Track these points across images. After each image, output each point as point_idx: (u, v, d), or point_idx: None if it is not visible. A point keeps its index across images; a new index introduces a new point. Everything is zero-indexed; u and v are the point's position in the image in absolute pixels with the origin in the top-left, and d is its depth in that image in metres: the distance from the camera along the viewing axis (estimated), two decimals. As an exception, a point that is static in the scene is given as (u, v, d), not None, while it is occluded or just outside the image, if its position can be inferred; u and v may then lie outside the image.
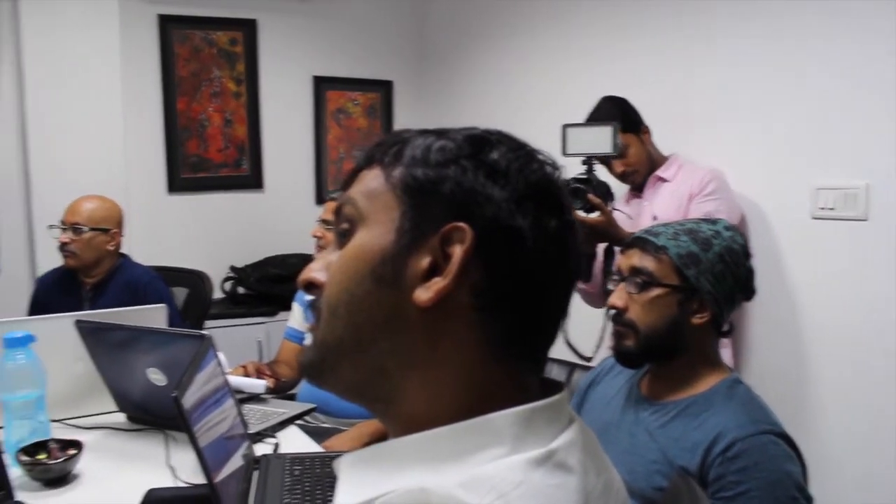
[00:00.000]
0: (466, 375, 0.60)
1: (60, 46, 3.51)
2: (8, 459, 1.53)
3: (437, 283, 0.58)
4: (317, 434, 2.00)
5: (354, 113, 4.48)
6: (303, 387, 2.43)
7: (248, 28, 4.17)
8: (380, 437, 2.08)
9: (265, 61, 4.23)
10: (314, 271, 0.66)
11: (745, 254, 1.46)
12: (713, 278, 1.41)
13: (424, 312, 0.59)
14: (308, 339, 0.67)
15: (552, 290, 0.63)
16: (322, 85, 4.37)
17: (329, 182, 4.40)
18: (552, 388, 0.64)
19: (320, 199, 4.35)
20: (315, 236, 2.36)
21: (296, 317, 2.55)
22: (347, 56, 4.43)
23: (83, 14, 3.55)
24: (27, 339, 1.69)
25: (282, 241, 4.14)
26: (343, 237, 0.64)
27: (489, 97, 3.99)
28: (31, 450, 1.62)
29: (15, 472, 1.55)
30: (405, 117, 4.56)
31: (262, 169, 4.25)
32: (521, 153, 0.63)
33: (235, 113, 4.15)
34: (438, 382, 0.60)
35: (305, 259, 3.95)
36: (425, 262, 0.59)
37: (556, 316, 0.64)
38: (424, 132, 0.65)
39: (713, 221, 1.51)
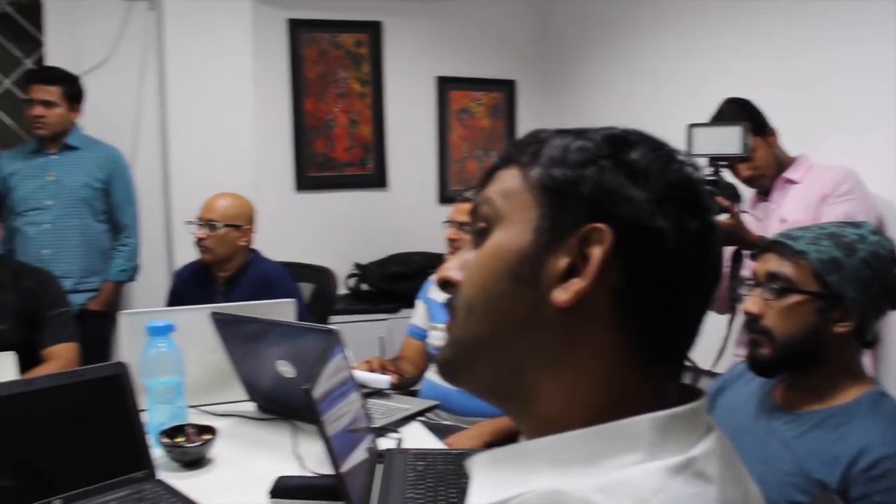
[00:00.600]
0: (602, 378, 0.60)
1: (199, 52, 3.70)
2: (151, 440, 1.63)
3: (576, 284, 0.58)
4: (438, 431, 2.02)
5: (478, 113, 4.50)
6: (425, 384, 2.46)
7: (373, 30, 4.26)
8: (501, 437, 2.09)
9: (390, 62, 4.31)
10: (450, 270, 0.66)
11: (892, 260, 1.38)
12: (857, 285, 1.33)
13: (562, 313, 0.59)
14: (443, 337, 0.68)
15: (692, 293, 0.61)
16: (446, 85, 4.42)
17: (452, 181, 4.44)
18: (690, 394, 0.62)
19: (443, 198, 4.40)
20: (450, 238, 2.38)
21: (419, 314, 2.58)
22: (471, 56, 4.46)
23: (219, 21, 3.73)
24: (168, 329, 1.79)
25: (405, 239, 4.21)
26: (480, 236, 0.65)
27: (613, 97, 3.94)
28: (171, 433, 1.72)
29: (156, 453, 1.64)
30: (528, 117, 4.55)
31: (386, 168, 4.34)
32: (662, 153, 0.61)
33: (361, 113, 4.26)
34: (574, 384, 0.60)
35: (428, 257, 4.01)
36: (563, 262, 0.59)
37: (695, 320, 0.62)
38: (562, 132, 0.64)
39: (857, 225, 1.43)
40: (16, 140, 3.67)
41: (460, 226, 2.36)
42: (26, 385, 1.53)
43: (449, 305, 0.67)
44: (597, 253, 0.57)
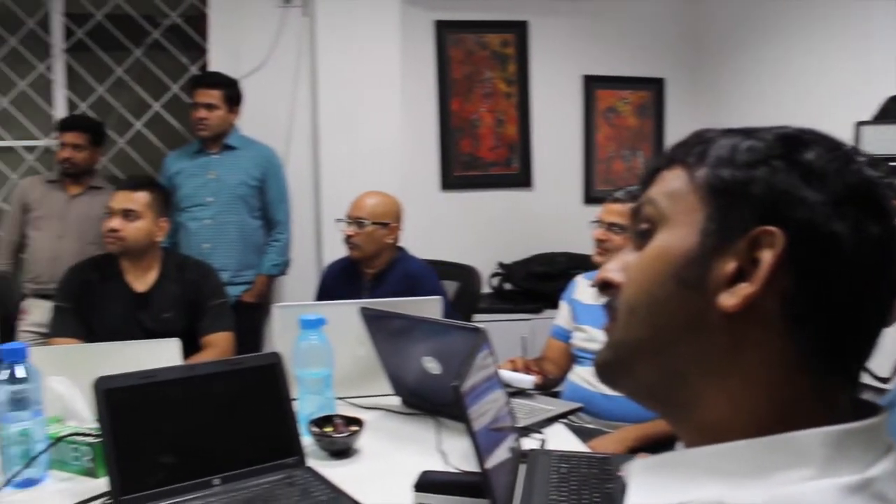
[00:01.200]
0: (770, 387, 0.56)
1: (349, 55, 3.82)
2: (301, 429, 1.68)
3: (744, 289, 0.55)
4: (580, 434, 1.98)
5: (624, 112, 4.41)
6: (567, 385, 2.43)
7: (519, 30, 4.25)
8: (645, 442, 2.04)
9: (536, 62, 4.29)
10: (610, 272, 0.65)
11: None
12: None
13: (729, 318, 0.56)
14: (601, 340, 0.66)
15: (870, 300, 0.57)
16: (592, 84, 4.35)
17: (597, 181, 4.37)
18: (866, 409, 0.58)
19: (589, 198, 4.34)
20: (598, 239, 2.34)
21: (563, 315, 2.55)
22: (618, 54, 4.37)
23: (369, 25, 3.83)
24: (319, 322, 1.85)
25: (549, 239, 4.17)
26: (642, 238, 0.63)
27: (768, 95, 3.76)
28: (320, 422, 1.77)
29: (306, 441, 1.69)
30: (677, 116, 4.41)
31: (531, 167, 4.32)
32: (839, 153, 0.58)
33: (506, 113, 4.26)
34: (739, 392, 0.57)
35: (572, 258, 3.96)
36: (731, 266, 0.56)
37: (873, 329, 0.58)
38: (729, 131, 0.62)
39: None
40: (181, 141, 3.90)
41: (610, 226, 2.31)
42: (190, 370, 1.61)
43: (608, 307, 0.65)
44: (767, 257, 0.55)
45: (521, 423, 1.88)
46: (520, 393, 2.15)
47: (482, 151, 4.25)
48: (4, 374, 1.56)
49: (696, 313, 0.58)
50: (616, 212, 2.31)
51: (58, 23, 3.93)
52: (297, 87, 3.91)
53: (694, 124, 0.65)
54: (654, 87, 4.44)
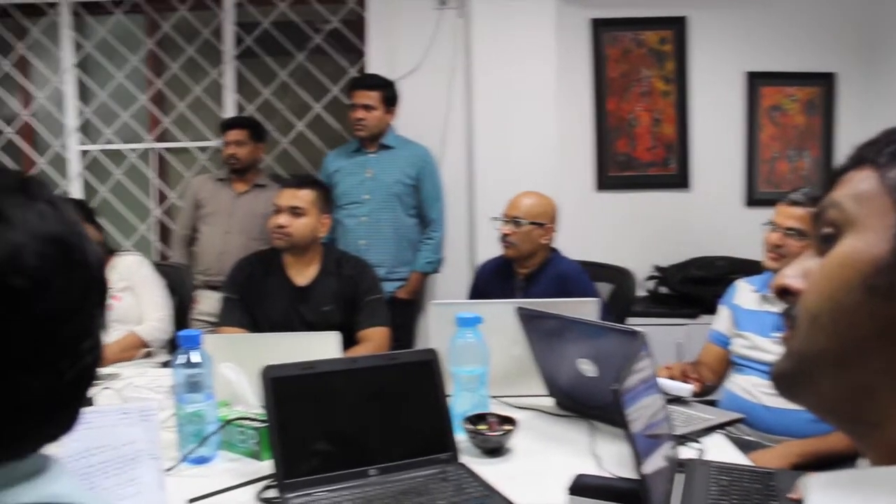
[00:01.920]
0: None
1: (504, 55, 3.82)
2: (455, 426, 1.69)
3: None
4: (739, 446, 1.89)
5: (791, 110, 4.17)
6: (725, 394, 2.33)
7: (677, 26, 4.11)
8: (808, 459, 1.92)
9: (695, 59, 4.14)
10: (789, 278, 0.61)
11: None
12: None
13: None
14: (779, 349, 0.62)
15: None
16: (756, 81, 4.15)
17: (760, 183, 4.16)
18: None
19: (751, 200, 4.14)
20: (773, 244, 2.23)
21: (722, 319, 2.44)
22: (784, 49, 4.13)
23: (524, 24, 3.82)
24: (476, 321, 1.85)
25: (707, 242, 4.02)
26: (825, 243, 0.58)
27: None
28: (474, 420, 1.77)
29: (459, 438, 1.70)
30: (850, 113, 4.12)
31: (689, 168, 4.17)
32: None
33: (664, 112, 4.13)
34: None
35: (732, 262, 3.80)
36: None
37: None
38: None
39: None
40: (340, 141, 4.04)
41: (787, 231, 2.19)
42: (351, 363, 1.66)
43: (787, 315, 0.61)
44: None
45: (678, 432, 1.81)
46: (676, 400, 2.08)
47: (638, 152, 4.15)
48: (182, 359, 1.66)
49: (887, 324, 0.53)
50: (794, 216, 2.19)
51: (229, 32, 4.16)
52: (451, 88, 3.95)
53: (868, 122, 0.60)
54: (823, 82, 4.17)
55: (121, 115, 4.24)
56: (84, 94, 4.34)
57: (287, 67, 4.16)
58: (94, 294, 0.67)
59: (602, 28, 4.10)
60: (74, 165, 4.32)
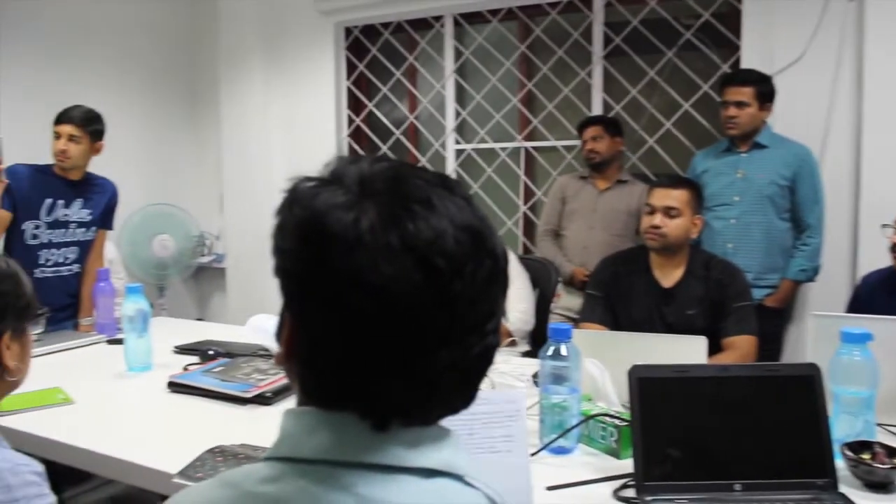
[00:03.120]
0: None
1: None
2: (834, 450, 1.55)
3: None
4: None
5: None
6: None
7: None
8: None
9: None
10: None
11: None
12: None
13: None
14: None
15: None
16: None
17: None
18: None
19: None
20: None
21: None
22: None
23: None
24: (865, 337, 1.67)
25: None
26: None
27: None
28: (856, 447, 1.60)
29: (838, 465, 1.55)
30: None
31: None
32: None
33: None
34: None
35: None
36: None
37: None
38: None
39: None
40: (709, 140, 3.89)
41: None
42: (723, 370, 1.60)
43: None
44: None
45: None
46: None
47: None
48: (550, 351, 1.72)
49: None
50: None
51: (598, 32, 4.22)
52: (837, 81, 3.60)
53: None
54: None
55: (494, 115, 4.52)
56: (462, 98, 4.70)
57: (656, 65, 4.11)
58: (498, 281, 0.72)
59: None
60: (450, 162, 4.70)
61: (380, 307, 0.64)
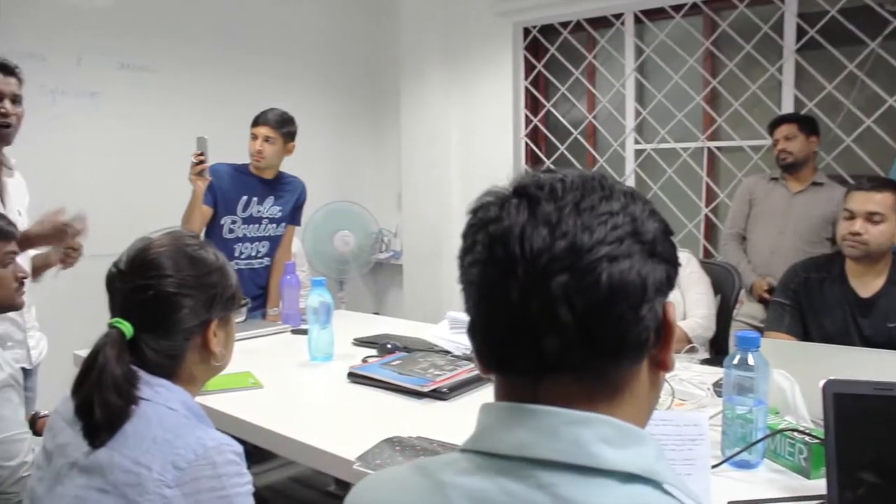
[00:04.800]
0: None
1: None
2: None
3: None
4: None
5: None
6: None
7: None
8: None
9: None
10: None
11: None
12: None
13: None
14: None
15: None
16: None
17: None
18: None
19: None
20: None
21: None
22: None
23: None
24: None
25: None
26: None
27: None
28: None
29: None
30: None
31: None
32: None
33: None
34: None
35: None
36: None
37: None
38: None
39: None
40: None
41: None
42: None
43: None
44: None
45: None
46: None
47: None
48: (736, 360, 1.64)
49: None
50: None
51: (790, 24, 3.98)
52: None
53: None
54: None
55: (675, 115, 4.37)
56: (642, 97, 4.58)
57: (855, 58, 3.81)
58: (669, 280, 0.73)
59: None
60: (629, 163, 4.60)
61: None
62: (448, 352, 2.49)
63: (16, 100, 2.47)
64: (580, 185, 0.71)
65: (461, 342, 2.49)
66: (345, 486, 3.27)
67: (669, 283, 0.73)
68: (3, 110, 2.42)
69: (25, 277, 2.15)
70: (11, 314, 2.43)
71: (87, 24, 4.27)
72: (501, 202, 0.72)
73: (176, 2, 4.60)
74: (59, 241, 2.42)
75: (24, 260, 2.36)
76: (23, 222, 2.53)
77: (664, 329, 0.73)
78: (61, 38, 4.15)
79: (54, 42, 4.10)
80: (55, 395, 1.40)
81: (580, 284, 0.67)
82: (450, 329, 2.56)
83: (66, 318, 2.99)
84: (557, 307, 0.67)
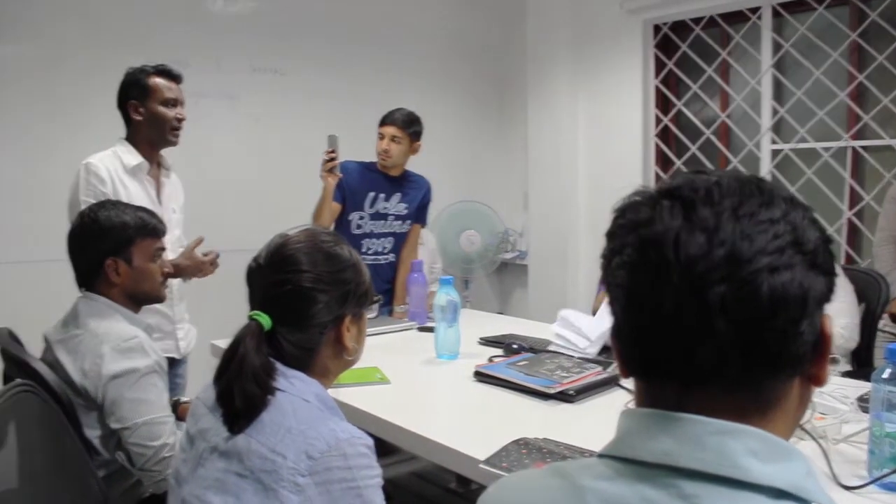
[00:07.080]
0: None
1: None
2: None
3: None
4: None
5: None
6: None
7: None
8: None
9: None
10: None
11: None
12: None
13: None
14: None
15: None
16: None
17: None
18: None
19: None
20: None
21: None
22: None
23: None
24: None
25: None
26: None
27: None
28: None
29: None
30: None
31: None
32: None
33: None
34: None
35: None
36: None
37: None
38: None
39: None
40: None
41: None
42: None
43: None
44: None
45: None
46: None
47: None
48: (886, 374, 1.54)
49: None
50: None
51: (951, 13, 3.71)
52: None
53: None
54: None
55: (816, 112, 4.15)
56: (779, 94, 4.38)
57: None
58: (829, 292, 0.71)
59: None
60: (765, 163, 4.40)
61: None
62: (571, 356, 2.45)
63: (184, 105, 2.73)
64: (737, 190, 0.68)
65: (575, 342, 2.45)
66: (466, 484, 3.31)
67: (829, 295, 0.69)
68: (181, 116, 2.69)
69: (170, 273, 2.29)
70: (162, 308, 2.63)
71: (226, 30, 4.48)
72: (653, 203, 0.69)
73: (303, 6, 4.76)
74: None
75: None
76: (178, 220, 2.83)
77: (821, 343, 0.70)
78: (202, 44, 4.37)
79: (196, 48, 4.31)
80: (202, 383, 1.47)
81: (739, 296, 0.64)
82: (561, 328, 2.51)
83: (214, 311, 3.14)
84: (714, 318, 0.64)
